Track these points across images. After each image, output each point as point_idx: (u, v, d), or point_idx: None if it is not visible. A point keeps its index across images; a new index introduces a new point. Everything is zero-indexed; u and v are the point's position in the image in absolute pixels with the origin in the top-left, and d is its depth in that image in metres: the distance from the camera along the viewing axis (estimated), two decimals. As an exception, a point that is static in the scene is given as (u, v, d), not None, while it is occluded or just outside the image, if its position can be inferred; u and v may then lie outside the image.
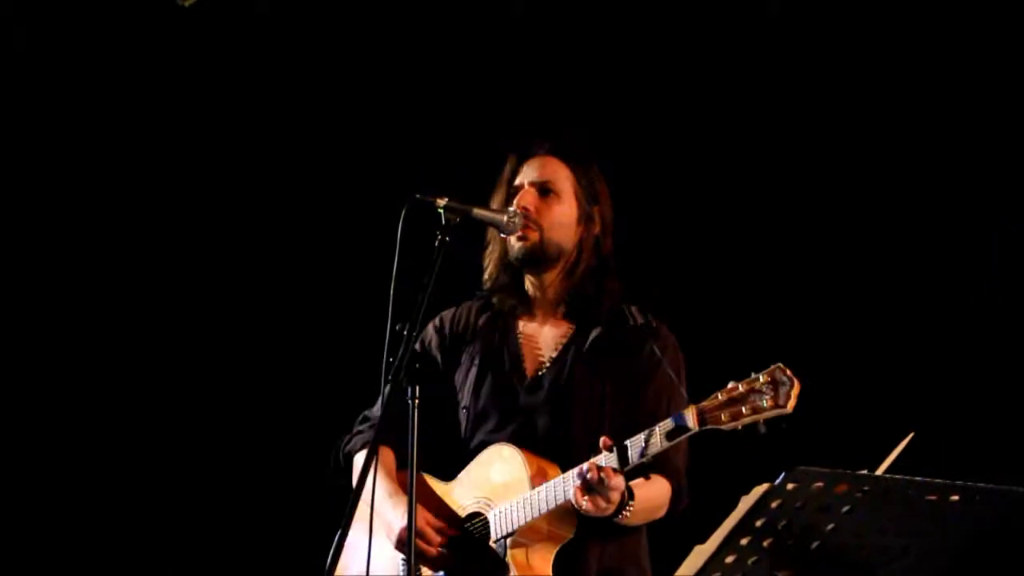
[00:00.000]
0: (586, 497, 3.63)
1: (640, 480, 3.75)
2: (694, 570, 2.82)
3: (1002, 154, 4.95)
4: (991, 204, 4.96)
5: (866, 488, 2.76)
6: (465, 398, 4.03)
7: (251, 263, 5.79)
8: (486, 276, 4.11)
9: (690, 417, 3.55)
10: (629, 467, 3.63)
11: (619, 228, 4.08)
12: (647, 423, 3.65)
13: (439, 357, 4.11)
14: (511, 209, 3.91)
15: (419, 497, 3.69)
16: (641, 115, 5.33)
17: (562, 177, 4.02)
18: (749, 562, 2.81)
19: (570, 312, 4.01)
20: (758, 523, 2.77)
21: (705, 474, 3.99)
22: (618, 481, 3.62)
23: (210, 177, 5.81)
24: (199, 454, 5.74)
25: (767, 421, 3.46)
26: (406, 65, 5.68)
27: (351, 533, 3.42)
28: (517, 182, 4.04)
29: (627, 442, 3.62)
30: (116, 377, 5.78)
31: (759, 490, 2.74)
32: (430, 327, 4.15)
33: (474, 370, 4.05)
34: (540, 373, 3.98)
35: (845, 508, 2.77)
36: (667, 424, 3.58)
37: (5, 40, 5.62)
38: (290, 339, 5.75)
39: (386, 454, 4.01)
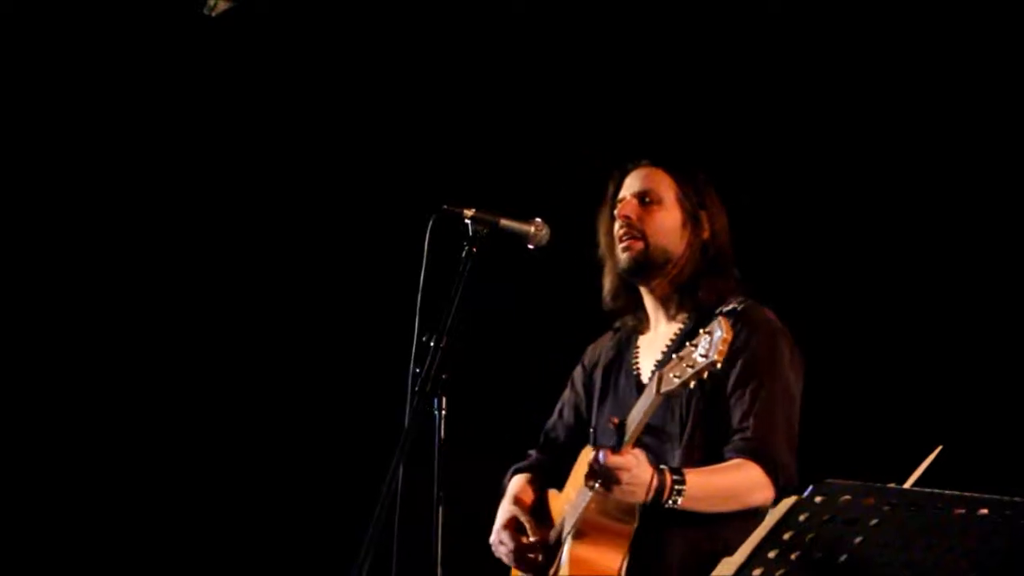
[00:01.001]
0: (592, 482, 3.61)
1: (718, 465, 3.72)
2: (722, 581, 2.82)
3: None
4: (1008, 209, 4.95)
5: (894, 501, 2.75)
6: (592, 418, 4.08)
7: (278, 274, 5.81)
8: (605, 293, 4.12)
9: (652, 383, 3.54)
10: (628, 443, 3.59)
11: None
12: (736, 407, 3.65)
13: (582, 392, 4.17)
14: (538, 220, 3.91)
15: (533, 507, 4.02)
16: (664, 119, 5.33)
17: (663, 185, 4.01)
18: (777, 575, 2.80)
19: (679, 313, 3.99)
20: (786, 536, 2.76)
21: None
22: (618, 461, 3.58)
23: (238, 189, 5.84)
24: (218, 462, 5.76)
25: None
26: (439, 75, 5.69)
27: None
28: (619, 196, 4.06)
29: (626, 419, 3.62)
30: (121, 380, 5.79)
31: (787, 503, 2.74)
32: (578, 365, 4.24)
33: (598, 391, 4.09)
34: (649, 377, 3.96)
35: (873, 521, 2.76)
36: (643, 396, 3.58)
37: (4, 40, 5.64)
38: (318, 350, 5.77)
39: (530, 479, 4.15)
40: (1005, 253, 4.95)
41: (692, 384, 3.45)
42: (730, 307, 3.85)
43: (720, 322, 3.36)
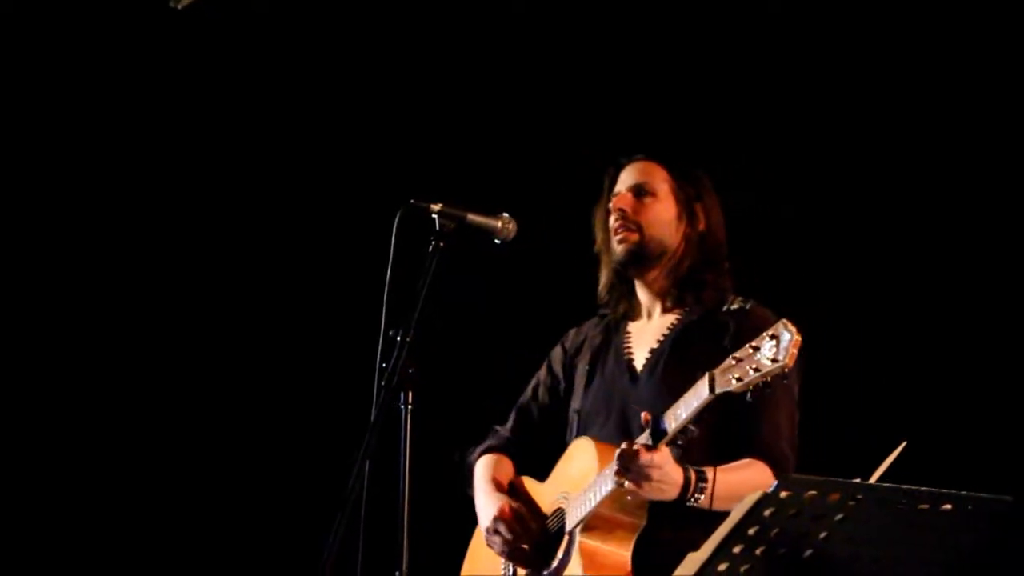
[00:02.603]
0: (623, 479, 3.59)
1: (731, 464, 3.71)
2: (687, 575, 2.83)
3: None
4: (986, 208, 4.97)
5: (859, 497, 2.76)
6: (577, 401, 4.06)
7: (245, 268, 5.79)
8: (601, 286, 4.10)
9: (704, 384, 3.48)
10: (665, 441, 3.56)
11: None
12: (746, 408, 3.62)
13: (561, 374, 4.16)
14: (505, 215, 3.89)
15: (514, 497, 3.98)
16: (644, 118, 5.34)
17: (658, 178, 4.03)
18: (742, 570, 2.81)
19: (674, 305, 3.98)
20: (751, 531, 2.77)
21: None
22: (651, 458, 3.56)
23: (202, 181, 5.81)
24: (184, 456, 5.74)
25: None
26: (402, 69, 5.68)
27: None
28: (615, 190, 4.06)
29: (662, 416, 3.58)
30: (101, 380, 5.77)
31: (752, 498, 2.74)
32: (558, 346, 4.21)
33: (584, 374, 4.07)
34: (641, 366, 3.96)
35: (838, 517, 2.77)
36: (689, 394, 3.53)
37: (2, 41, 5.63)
38: (284, 345, 5.75)
39: (504, 462, 4.12)
40: (978, 248, 4.98)
41: (752, 387, 3.39)
42: (736, 307, 3.90)
43: (786, 325, 3.33)
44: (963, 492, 2.78)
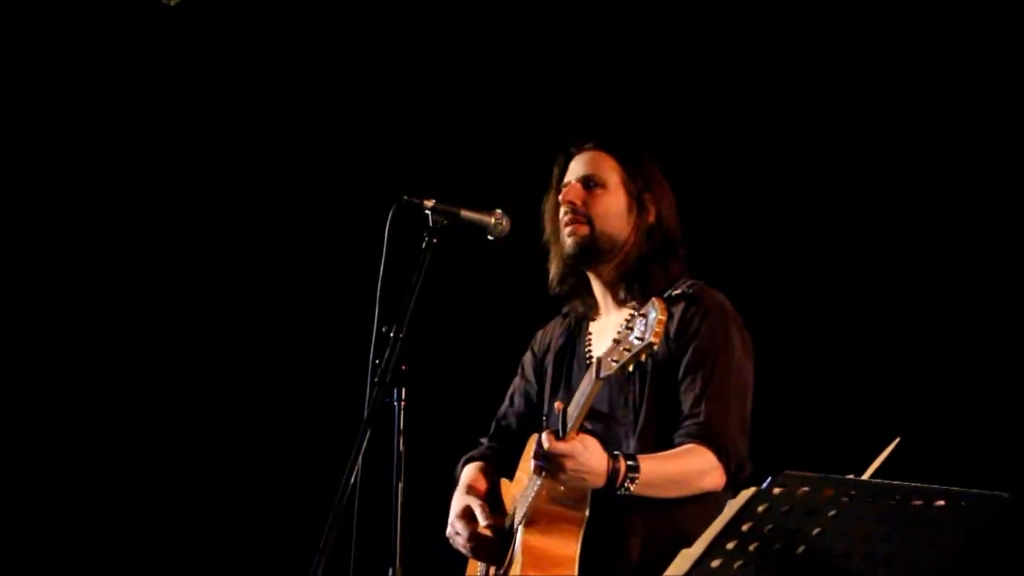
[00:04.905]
0: (539, 470, 3.59)
1: (670, 451, 3.69)
2: (680, 572, 2.82)
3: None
4: (982, 206, 4.97)
5: (852, 493, 2.77)
6: (546, 405, 4.05)
7: (238, 265, 5.78)
8: (551, 278, 4.08)
9: (592, 369, 3.50)
10: (572, 430, 3.55)
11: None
12: (688, 392, 3.63)
13: (533, 378, 4.15)
14: (498, 211, 3.89)
15: (487, 496, 4.00)
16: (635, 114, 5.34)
17: (607, 168, 3.98)
18: (735, 566, 2.81)
19: (628, 299, 3.94)
20: (745, 527, 2.77)
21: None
22: (560, 447, 3.54)
23: (195, 177, 5.81)
24: (175, 454, 5.73)
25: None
26: (395, 65, 5.68)
27: None
28: (564, 180, 4.02)
29: (567, 406, 3.58)
30: (88, 372, 5.76)
31: (746, 494, 2.74)
32: (528, 351, 4.21)
33: (550, 377, 4.06)
34: (598, 363, 3.95)
35: (831, 513, 2.77)
36: (584, 381, 3.55)
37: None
38: (277, 342, 5.75)
39: (481, 468, 4.14)
40: (965, 242, 4.98)
41: (631, 367, 3.42)
42: (679, 291, 3.85)
43: (655, 303, 3.34)
44: (956, 488, 2.79)
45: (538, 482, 3.67)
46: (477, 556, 4.00)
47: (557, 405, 3.61)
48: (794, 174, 5.17)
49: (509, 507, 3.98)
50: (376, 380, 3.51)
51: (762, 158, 5.20)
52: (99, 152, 5.77)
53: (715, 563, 2.81)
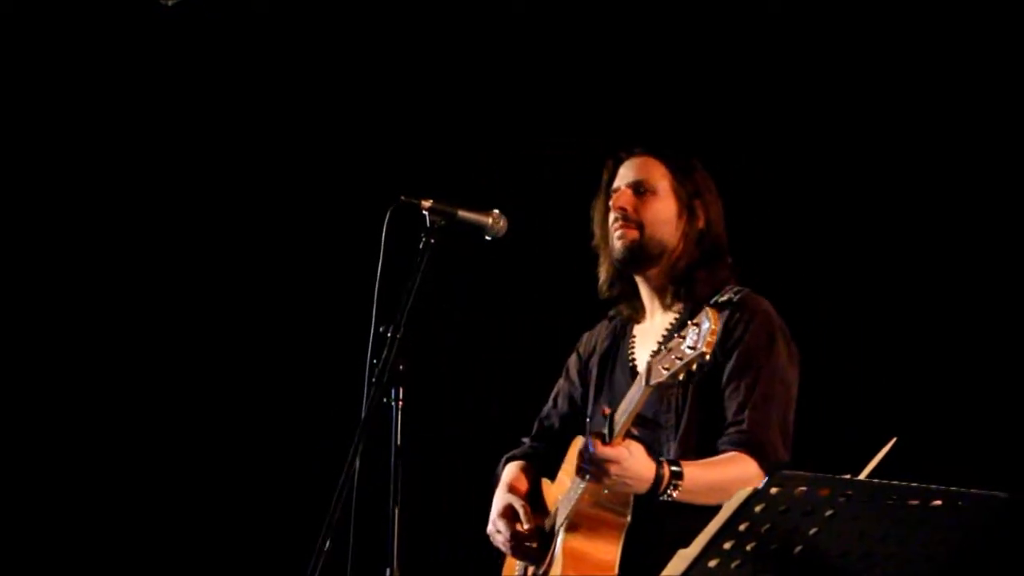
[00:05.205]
0: (584, 474, 3.59)
1: (713, 458, 3.68)
2: (677, 572, 2.83)
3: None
4: (982, 207, 4.97)
5: (849, 493, 2.77)
6: (589, 407, 4.05)
7: (236, 265, 5.78)
8: (600, 282, 4.08)
9: (642, 375, 3.51)
10: (618, 435, 3.55)
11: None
12: (731, 399, 3.63)
13: (577, 380, 4.15)
14: (495, 211, 3.89)
15: (528, 496, 4.00)
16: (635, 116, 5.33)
17: (657, 175, 3.98)
18: (732, 566, 2.81)
19: (675, 303, 3.95)
20: (741, 527, 2.77)
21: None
22: (606, 452, 3.54)
23: (193, 177, 5.81)
24: (172, 454, 5.73)
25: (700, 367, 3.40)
26: (393, 65, 5.68)
27: None
28: (614, 186, 4.02)
29: (615, 410, 3.58)
30: (85, 371, 5.76)
31: (742, 494, 2.74)
32: (573, 353, 4.21)
33: (594, 380, 4.06)
34: (648, 370, 3.92)
35: (828, 512, 2.77)
36: (633, 387, 3.55)
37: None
38: (275, 342, 5.75)
39: (523, 467, 4.13)
40: (963, 242, 4.98)
41: (681, 376, 3.44)
42: (726, 297, 3.85)
43: (708, 313, 3.35)
44: (953, 488, 2.79)
45: (582, 485, 3.67)
46: (517, 555, 3.98)
47: (604, 409, 3.61)
48: (794, 174, 5.17)
49: (551, 508, 3.98)
50: (374, 380, 3.51)
51: (762, 158, 5.20)
52: (98, 152, 5.77)
53: (712, 563, 2.81)
